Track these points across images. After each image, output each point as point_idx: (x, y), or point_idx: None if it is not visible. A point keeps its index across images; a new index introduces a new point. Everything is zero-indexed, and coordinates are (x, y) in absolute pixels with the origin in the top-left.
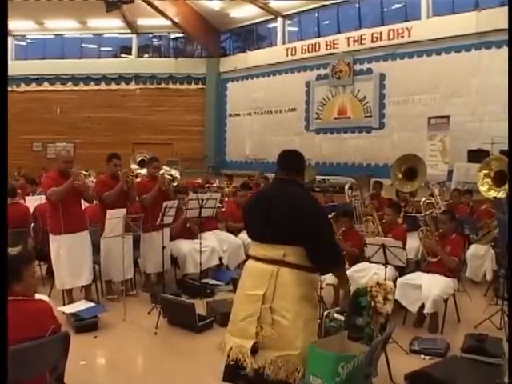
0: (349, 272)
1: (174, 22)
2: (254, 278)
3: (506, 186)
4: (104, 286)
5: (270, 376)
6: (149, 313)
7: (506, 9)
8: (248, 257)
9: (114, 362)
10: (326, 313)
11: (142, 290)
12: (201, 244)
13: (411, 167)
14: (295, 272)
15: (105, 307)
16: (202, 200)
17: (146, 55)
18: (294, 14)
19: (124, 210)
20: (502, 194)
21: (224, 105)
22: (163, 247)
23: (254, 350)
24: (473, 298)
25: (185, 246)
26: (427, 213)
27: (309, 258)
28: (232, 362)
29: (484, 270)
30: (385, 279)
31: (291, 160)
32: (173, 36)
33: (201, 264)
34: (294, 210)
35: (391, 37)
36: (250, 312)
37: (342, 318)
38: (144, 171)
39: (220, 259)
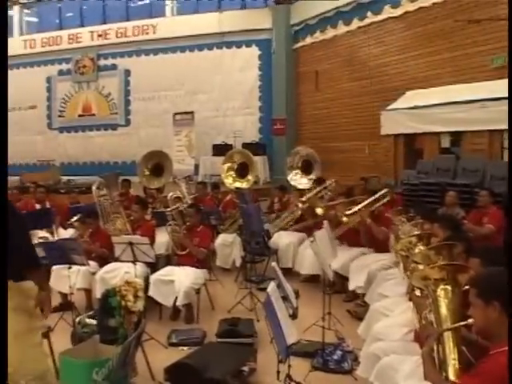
0: (99, 274)
1: None
2: None
3: (249, 176)
4: None
5: None
6: None
7: (245, 12)
8: None
9: None
10: (77, 319)
11: None
12: None
13: (157, 163)
14: None
15: None
16: None
17: None
18: (33, 2)
19: None
20: (244, 184)
21: None
22: None
23: None
24: (224, 285)
25: None
26: (173, 207)
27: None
28: None
29: (233, 257)
30: (135, 277)
31: None
32: None
33: None
34: None
35: (136, 33)
36: None
37: (95, 322)
38: None
39: None
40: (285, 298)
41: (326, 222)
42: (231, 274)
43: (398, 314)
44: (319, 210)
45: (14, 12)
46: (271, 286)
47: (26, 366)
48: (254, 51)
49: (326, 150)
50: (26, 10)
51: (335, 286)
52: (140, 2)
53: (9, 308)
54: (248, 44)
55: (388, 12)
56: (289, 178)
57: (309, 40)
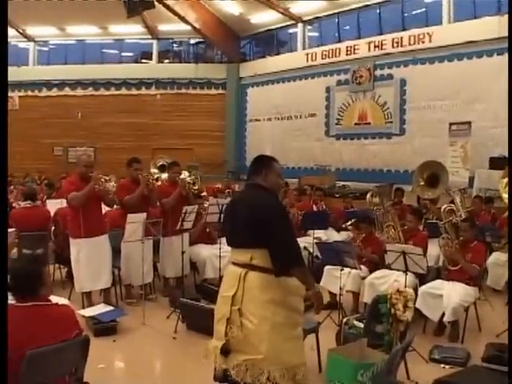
0: (369, 279)
1: (194, 28)
2: (226, 280)
3: None
4: (123, 290)
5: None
6: (168, 317)
7: None
8: None
9: (132, 366)
10: (345, 320)
11: (161, 294)
12: (220, 249)
13: (433, 174)
14: (263, 276)
15: (124, 311)
16: (222, 205)
17: (167, 60)
18: (315, 19)
19: (144, 215)
20: None
21: (244, 110)
22: (183, 252)
23: (225, 351)
24: (494, 307)
25: (204, 250)
26: (448, 220)
27: (270, 258)
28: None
29: (506, 278)
30: (405, 286)
31: (253, 164)
32: (193, 41)
33: (220, 269)
34: (251, 212)
35: (412, 42)
36: (223, 313)
37: (362, 324)
38: (164, 176)
39: None
40: None
41: None
42: (502, 296)
43: None
44: None
45: (298, 29)
46: None
47: (279, 356)
48: None
49: None
50: (308, 27)
51: None
52: (415, 11)
53: (265, 300)
54: None
55: None
56: None
57: None
